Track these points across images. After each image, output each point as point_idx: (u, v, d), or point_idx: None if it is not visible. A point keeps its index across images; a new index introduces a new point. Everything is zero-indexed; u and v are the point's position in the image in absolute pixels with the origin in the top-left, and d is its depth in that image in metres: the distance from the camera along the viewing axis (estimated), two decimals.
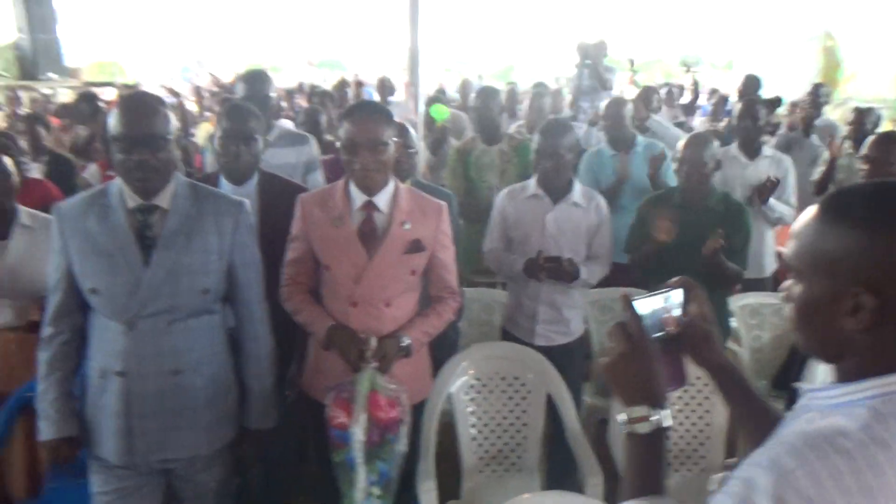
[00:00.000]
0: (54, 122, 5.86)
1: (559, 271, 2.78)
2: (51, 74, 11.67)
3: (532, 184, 2.97)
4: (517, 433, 2.71)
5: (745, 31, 14.03)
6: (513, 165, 3.98)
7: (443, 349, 2.63)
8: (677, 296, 1.21)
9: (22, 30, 11.87)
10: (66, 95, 9.77)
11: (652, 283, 1.39)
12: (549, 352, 2.84)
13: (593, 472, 2.44)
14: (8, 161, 2.79)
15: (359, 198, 2.19)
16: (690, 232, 2.85)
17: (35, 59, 11.98)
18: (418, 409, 2.34)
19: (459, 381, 2.67)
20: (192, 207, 1.98)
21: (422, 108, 5.03)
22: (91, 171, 4.31)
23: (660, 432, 1.06)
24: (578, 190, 2.94)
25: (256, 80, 3.36)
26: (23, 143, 4.12)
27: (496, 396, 2.72)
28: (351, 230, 2.18)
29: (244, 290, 2.08)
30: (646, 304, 1.16)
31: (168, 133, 1.91)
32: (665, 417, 1.07)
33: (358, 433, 2.02)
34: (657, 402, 1.07)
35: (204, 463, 2.08)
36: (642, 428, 1.06)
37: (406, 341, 2.18)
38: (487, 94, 4.20)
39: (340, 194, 2.21)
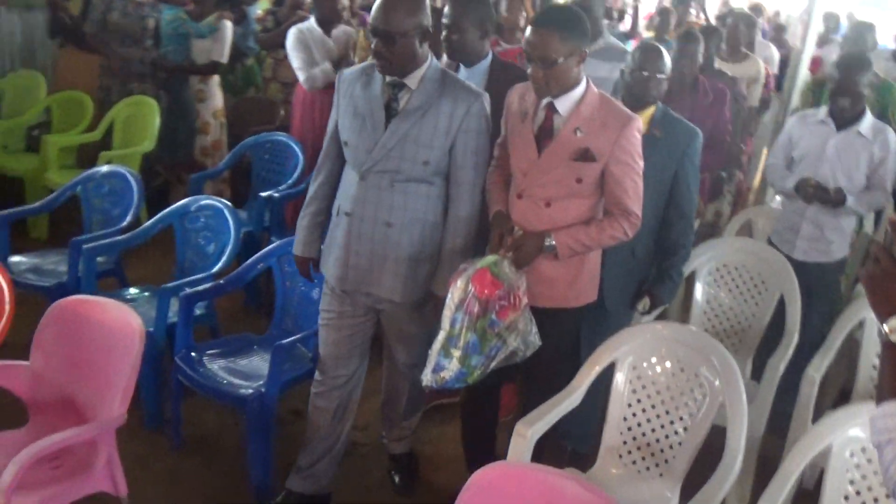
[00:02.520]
0: None
1: (825, 199, 3.05)
2: None
3: (823, 110, 3.21)
4: (745, 320, 3.13)
5: None
6: (868, 103, 3.90)
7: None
8: None
9: None
10: None
11: None
12: (804, 266, 3.16)
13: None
14: None
15: (545, 98, 2.23)
16: None
17: None
18: (573, 314, 2.39)
19: (705, 267, 3.17)
20: (435, 91, 2.22)
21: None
22: None
23: None
24: (868, 122, 3.10)
25: None
26: None
27: (736, 284, 3.16)
28: (530, 126, 2.25)
29: (458, 171, 2.28)
30: None
31: (403, 30, 2.11)
32: None
33: (452, 296, 2.13)
34: None
35: (407, 313, 2.42)
36: None
37: (550, 241, 2.18)
38: (862, 27, 4.22)
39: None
